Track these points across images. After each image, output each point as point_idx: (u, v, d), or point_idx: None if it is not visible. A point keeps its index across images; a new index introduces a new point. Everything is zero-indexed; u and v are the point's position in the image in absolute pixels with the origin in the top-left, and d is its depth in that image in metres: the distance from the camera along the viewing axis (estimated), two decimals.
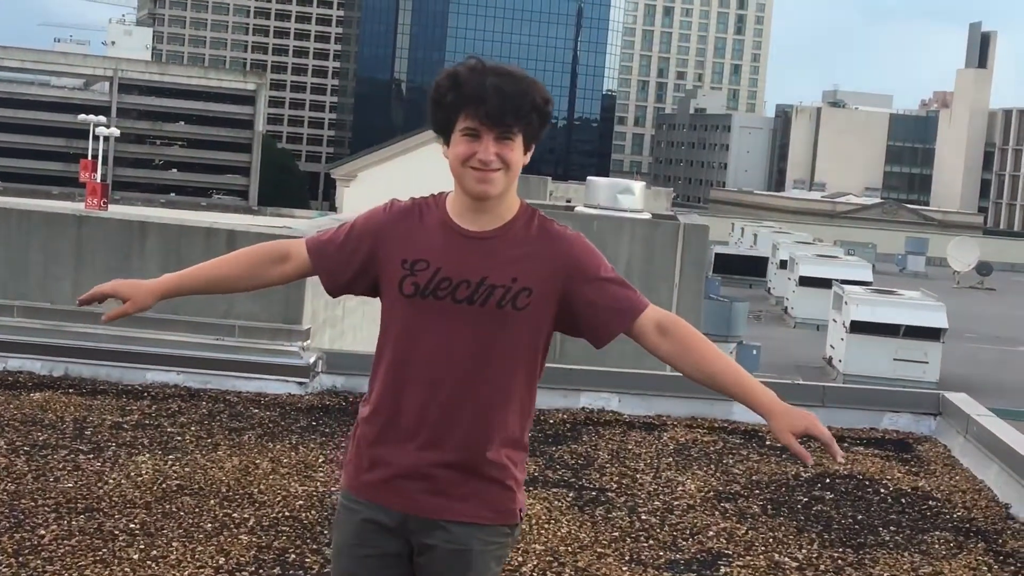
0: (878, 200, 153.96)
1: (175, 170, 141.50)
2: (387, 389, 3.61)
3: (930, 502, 8.53)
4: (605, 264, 3.61)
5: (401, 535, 3.62)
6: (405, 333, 3.56)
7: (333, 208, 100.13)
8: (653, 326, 3.56)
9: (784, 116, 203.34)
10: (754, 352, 41.53)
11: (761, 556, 7.11)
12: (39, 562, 6.17)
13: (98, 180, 76.56)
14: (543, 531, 7.28)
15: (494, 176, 3.48)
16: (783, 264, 64.71)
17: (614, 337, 3.57)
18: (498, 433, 3.58)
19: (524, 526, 7.31)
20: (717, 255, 68.64)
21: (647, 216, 20.86)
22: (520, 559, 6.72)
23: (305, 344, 11.12)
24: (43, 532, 6.60)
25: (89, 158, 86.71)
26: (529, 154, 3.58)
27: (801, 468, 9.23)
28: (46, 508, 7.01)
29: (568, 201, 49.73)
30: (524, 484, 3.75)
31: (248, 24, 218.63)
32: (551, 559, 6.77)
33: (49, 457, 8.09)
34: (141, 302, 3.86)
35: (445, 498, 3.59)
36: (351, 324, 14.66)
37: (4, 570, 6.04)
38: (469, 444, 3.56)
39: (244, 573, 6.25)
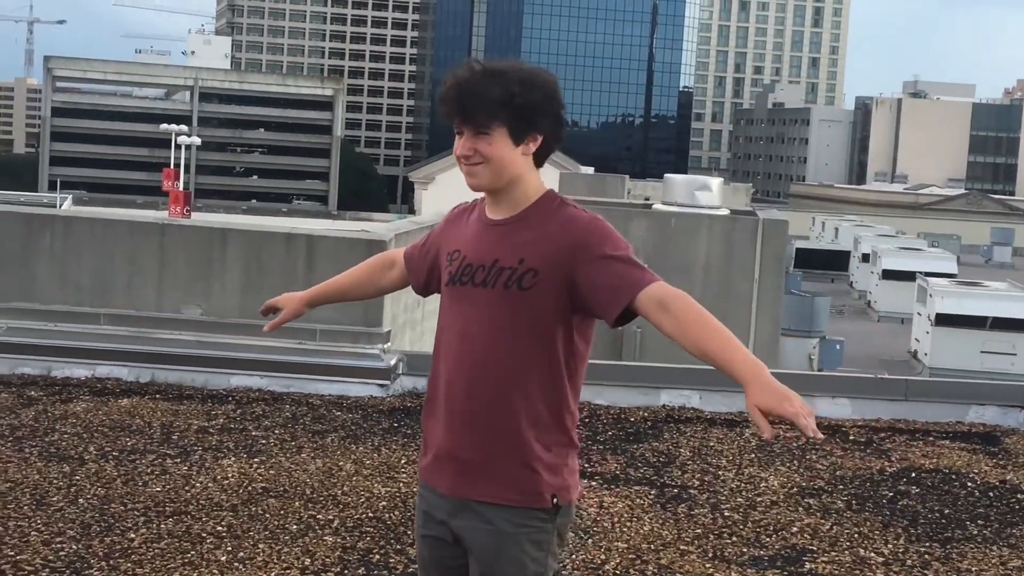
0: (962, 191, 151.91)
1: (256, 176, 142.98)
2: (432, 373, 3.84)
3: (1018, 495, 8.41)
4: (614, 243, 3.61)
5: (442, 520, 3.77)
6: (443, 318, 3.81)
7: (412, 211, 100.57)
8: (655, 303, 3.50)
9: (864, 108, 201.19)
10: (837, 347, 41.18)
11: (846, 552, 7.06)
12: (129, 565, 6.27)
13: (180, 188, 77.59)
14: (625, 529, 7.28)
15: (475, 169, 3.67)
16: (865, 258, 64.09)
17: (618, 313, 3.55)
18: (521, 415, 3.66)
19: (607, 524, 7.32)
20: (798, 250, 68.11)
21: (725, 212, 20.75)
22: (603, 557, 6.73)
23: (386, 346, 11.19)
24: (133, 536, 6.71)
25: (171, 167, 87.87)
26: (532, 145, 3.69)
27: (886, 463, 9.15)
28: (135, 512, 7.13)
29: (646, 199, 49.53)
30: (579, 473, 3.81)
31: (325, 30, 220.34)
32: (634, 556, 6.77)
33: (137, 462, 8.22)
34: (295, 310, 4.35)
35: (472, 477, 3.70)
36: (430, 326, 14.72)
37: (96, 573, 6.15)
38: (492, 425, 3.67)
39: (329, 574, 6.32)
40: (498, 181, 3.69)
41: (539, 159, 3.73)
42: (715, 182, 21.53)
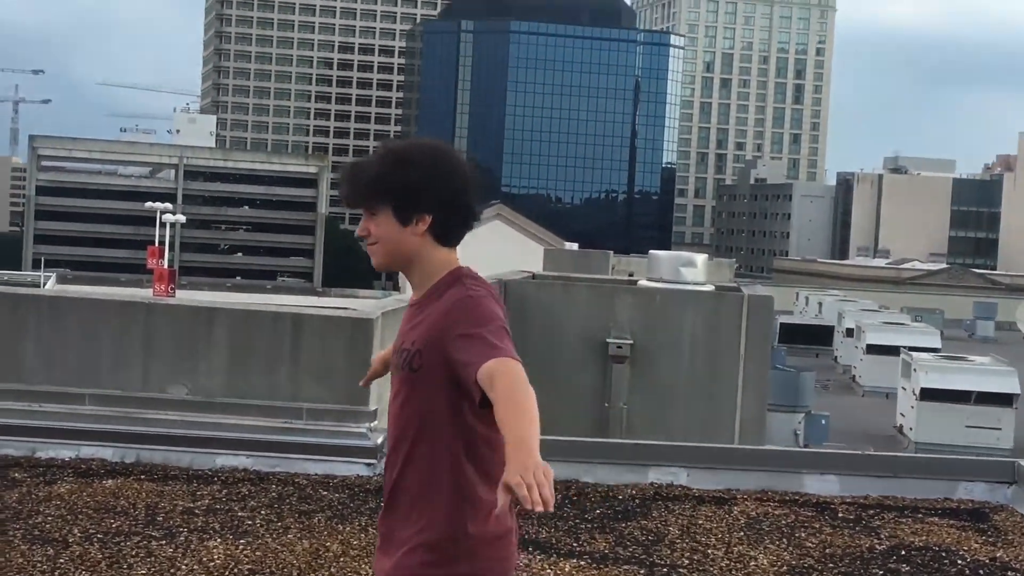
0: (944, 265, 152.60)
1: (240, 254, 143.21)
2: None
3: (1009, 573, 8.38)
4: (474, 320, 3.51)
5: None
6: None
7: (396, 288, 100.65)
8: (487, 379, 3.36)
9: (845, 184, 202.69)
10: (823, 422, 41.10)
11: None
12: None
13: (165, 266, 77.59)
14: None
15: (371, 249, 3.74)
16: (849, 332, 64.21)
17: (473, 392, 3.43)
18: (412, 495, 3.65)
19: None
20: (782, 325, 68.24)
21: (710, 288, 20.83)
22: None
23: (372, 425, 11.15)
24: None
25: (156, 244, 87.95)
26: (422, 224, 3.65)
27: (875, 541, 9.11)
28: None
29: (630, 275, 49.65)
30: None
31: (309, 108, 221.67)
32: None
33: (123, 544, 8.14)
34: (381, 368, 4.18)
35: (382, 553, 3.75)
36: None
37: None
38: (391, 503, 3.73)
39: None
40: (392, 262, 3.72)
41: (442, 238, 3.67)
42: (700, 258, 21.63)
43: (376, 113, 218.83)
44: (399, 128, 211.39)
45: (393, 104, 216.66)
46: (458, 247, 3.77)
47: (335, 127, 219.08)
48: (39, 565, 7.57)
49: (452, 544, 3.57)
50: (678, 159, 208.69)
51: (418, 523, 3.61)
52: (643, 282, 22.06)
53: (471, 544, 3.57)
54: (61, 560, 7.71)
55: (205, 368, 12.57)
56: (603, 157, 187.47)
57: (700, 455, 11.34)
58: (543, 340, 16.24)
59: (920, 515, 9.89)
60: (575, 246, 72.97)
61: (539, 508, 3.09)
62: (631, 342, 18.95)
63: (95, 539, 8.23)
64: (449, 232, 3.68)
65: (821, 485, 10.60)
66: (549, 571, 7.93)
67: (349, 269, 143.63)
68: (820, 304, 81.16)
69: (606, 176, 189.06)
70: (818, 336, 71.72)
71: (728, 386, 18.68)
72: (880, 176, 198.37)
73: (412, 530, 3.62)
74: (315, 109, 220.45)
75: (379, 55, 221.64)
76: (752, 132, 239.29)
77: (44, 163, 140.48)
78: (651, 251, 23.80)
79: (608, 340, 18.96)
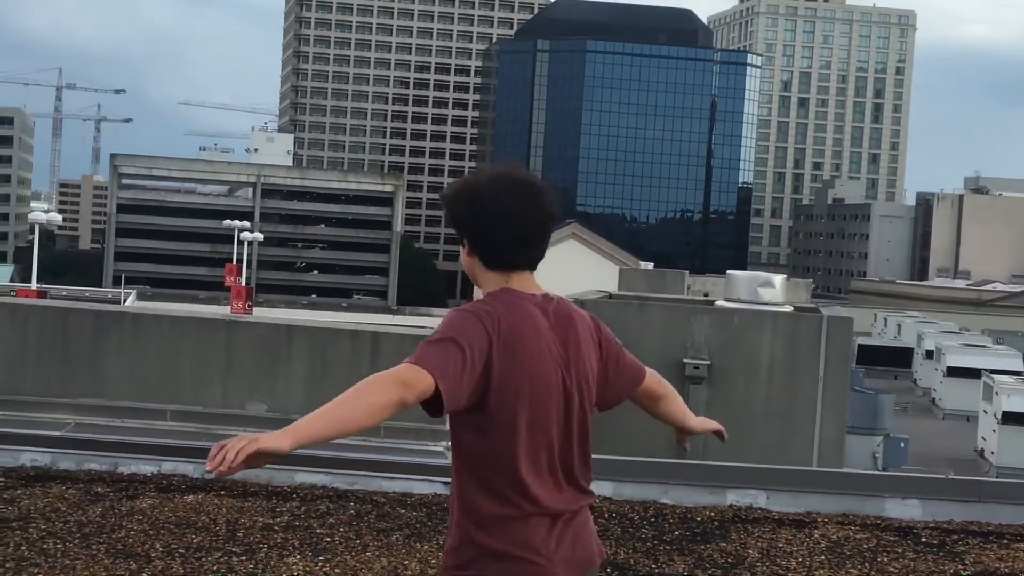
0: None
1: (316, 272, 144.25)
2: None
3: None
4: (437, 330, 3.79)
5: None
6: None
7: None
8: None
9: (925, 204, 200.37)
10: (902, 445, 40.61)
11: None
12: None
13: (243, 284, 78.37)
14: None
15: None
16: (929, 354, 63.44)
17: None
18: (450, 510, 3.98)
19: None
20: (860, 346, 67.57)
21: (789, 309, 20.67)
22: None
23: (450, 444, 11.20)
24: None
25: (234, 262, 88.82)
26: (464, 248, 3.99)
27: (960, 567, 8.98)
28: None
29: (706, 295, 49.33)
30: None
31: (385, 128, 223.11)
32: None
33: (204, 559, 8.22)
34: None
35: None
36: None
37: None
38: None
39: None
40: (472, 280, 4.05)
41: (485, 261, 3.92)
42: (778, 278, 21.47)
43: (451, 132, 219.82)
44: (474, 147, 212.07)
45: (469, 123, 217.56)
46: (533, 271, 3.94)
47: (411, 146, 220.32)
48: None
49: (462, 551, 3.79)
50: (754, 179, 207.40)
51: (448, 533, 3.92)
52: (720, 302, 21.94)
53: (476, 555, 3.74)
54: (143, 575, 7.79)
55: (284, 385, 12.65)
56: (679, 176, 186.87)
57: (779, 477, 11.26)
58: None
59: (1005, 541, 9.74)
60: (650, 266, 72.76)
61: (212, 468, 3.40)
62: (708, 362, 18.84)
63: (177, 554, 8.32)
64: (488, 256, 3.91)
65: (903, 509, 10.49)
66: None
67: (423, 288, 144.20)
68: (899, 326, 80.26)
69: (682, 196, 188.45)
70: (897, 358, 70.99)
71: (806, 408, 18.52)
72: (961, 196, 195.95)
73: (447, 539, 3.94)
74: (391, 128, 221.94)
75: (455, 74, 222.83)
76: (830, 152, 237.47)
77: (124, 181, 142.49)
78: (728, 271, 23.65)
79: (685, 360, 18.86)
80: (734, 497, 10.71)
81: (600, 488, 10.68)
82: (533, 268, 3.93)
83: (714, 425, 4.53)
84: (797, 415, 18.50)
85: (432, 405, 3.62)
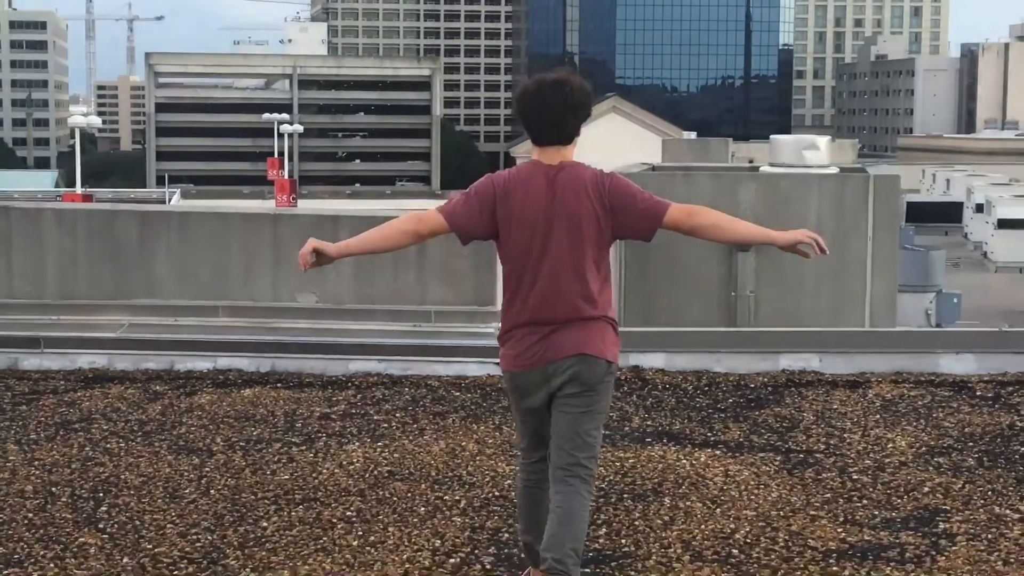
0: None
1: (358, 161, 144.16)
2: None
3: None
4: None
5: None
6: None
7: None
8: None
9: (970, 55, 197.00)
10: (955, 301, 40.42)
11: (981, 510, 6.95)
12: (264, 553, 6.39)
13: (285, 177, 78.45)
14: (753, 496, 7.24)
15: None
16: (979, 208, 62.90)
17: None
18: None
19: (734, 492, 7.31)
20: (909, 203, 66.97)
21: (835, 171, 20.47)
22: (732, 526, 6.70)
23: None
24: (265, 524, 6.83)
25: (275, 156, 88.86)
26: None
27: (1016, 418, 9.00)
28: (266, 500, 7.25)
29: (750, 161, 48.94)
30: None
31: (419, 10, 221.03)
32: (763, 524, 6.74)
33: (264, 451, 8.36)
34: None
35: None
36: None
37: (232, 562, 6.27)
38: None
39: (460, 554, 6.37)
40: None
41: (531, 139, 5.56)
42: (822, 140, 21.22)
43: (486, 11, 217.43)
44: (509, 25, 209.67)
45: (502, 1, 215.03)
46: (572, 145, 5.56)
47: (445, 28, 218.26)
48: (186, 474, 7.81)
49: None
50: (795, 40, 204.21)
51: None
52: (765, 168, 21.78)
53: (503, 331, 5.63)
54: (207, 468, 7.94)
55: (332, 276, 12.72)
56: (717, 43, 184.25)
57: (831, 340, 11.27)
58: (664, 233, 16.18)
59: None
60: (693, 135, 72.15)
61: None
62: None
63: (238, 447, 8.46)
64: (530, 135, 5.56)
65: (957, 364, 10.49)
66: (684, 461, 7.97)
67: (466, 170, 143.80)
68: (948, 181, 79.44)
69: (721, 62, 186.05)
70: (947, 213, 70.37)
71: (857, 269, 18.44)
72: (1006, 45, 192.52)
73: None
74: (424, 11, 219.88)
75: None
76: (871, 7, 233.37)
77: (161, 80, 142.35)
78: (772, 136, 23.40)
79: None
80: (787, 362, 10.74)
81: (652, 360, 10.72)
82: (564, 143, 5.51)
83: (802, 235, 5.47)
84: (847, 277, 18.41)
85: (461, 237, 5.57)
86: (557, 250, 5.45)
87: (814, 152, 20.53)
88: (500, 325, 5.67)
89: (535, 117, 5.49)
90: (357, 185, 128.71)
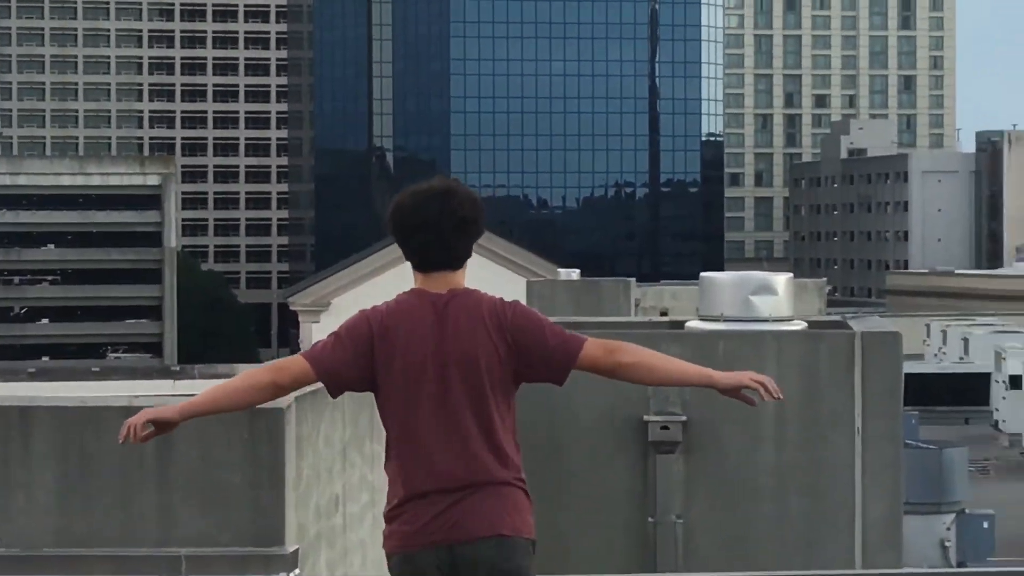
0: None
1: (46, 320, 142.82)
2: None
3: None
4: None
5: None
6: None
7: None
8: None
9: (991, 149, 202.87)
10: (985, 525, 41.14)
11: None
12: None
13: None
14: None
15: None
16: (1016, 382, 64.40)
17: None
18: None
19: None
20: (908, 375, 68.27)
21: (802, 326, 20.88)
22: None
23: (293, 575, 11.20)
24: None
25: None
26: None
27: None
28: None
29: (663, 313, 49.62)
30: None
31: (142, 86, 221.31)
32: None
33: None
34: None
35: None
36: (356, 539, 14.65)
37: None
38: None
39: None
40: None
41: (413, 266, 6.88)
42: (780, 280, 21.64)
43: (247, 86, 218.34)
44: (285, 106, 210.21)
45: (273, 70, 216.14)
46: (463, 270, 6.86)
47: (183, 110, 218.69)
48: None
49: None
50: (726, 127, 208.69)
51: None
52: (692, 323, 22.11)
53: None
54: None
55: (22, 505, 12.48)
56: (607, 133, 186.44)
57: None
58: (544, 423, 16.49)
59: None
60: (575, 273, 73.11)
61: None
62: (683, 419, 18.93)
63: None
64: (411, 261, 6.87)
65: None
66: None
67: (217, 332, 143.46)
68: (965, 340, 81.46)
69: (615, 162, 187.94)
70: (967, 390, 71.99)
71: (840, 478, 18.74)
72: None
73: None
74: (149, 86, 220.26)
75: None
76: (839, 78, 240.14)
77: None
78: (703, 275, 23.76)
79: (647, 419, 18.91)
80: None
81: None
82: (454, 267, 6.81)
83: (747, 377, 6.85)
84: (825, 491, 18.66)
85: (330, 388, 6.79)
86: (456, 399, 6.55)
87: (768, 298, 20.86)
88: (387, 500, 6.64)
89: (417, 236, 6.74)
90: (45, 359, 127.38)
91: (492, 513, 6.41)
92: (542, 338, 6.51)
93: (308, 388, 12.28)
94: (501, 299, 6.59)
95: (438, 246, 6.62)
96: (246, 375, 6.60)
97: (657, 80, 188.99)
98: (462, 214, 6.62)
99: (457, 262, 6.66)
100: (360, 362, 6.45)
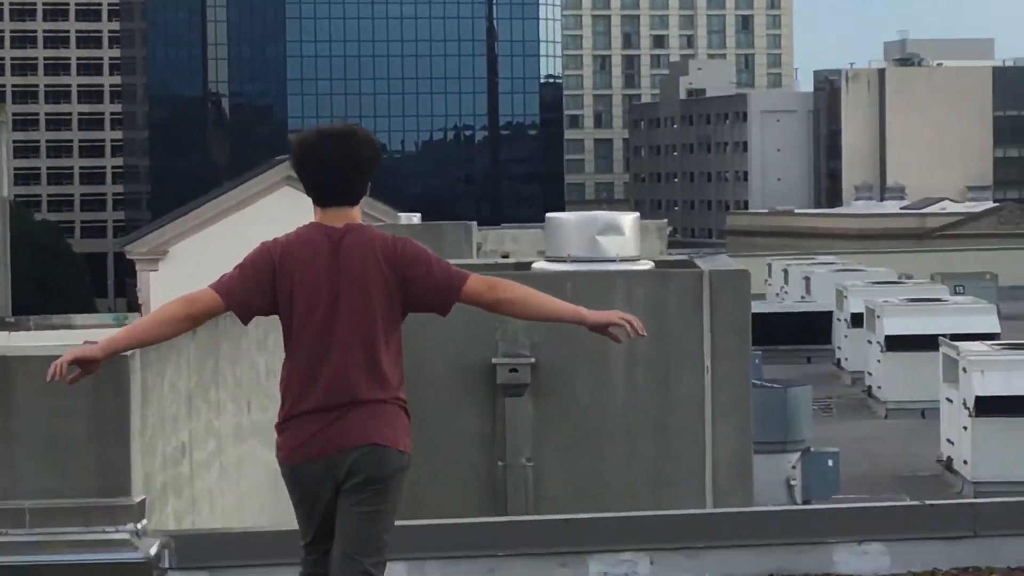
0: (990, 204, 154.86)
1: None
2: None
3: None
4: None
5: None
6: None
7: (135, 306, 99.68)
8: None
9: (829, 88, 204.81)
10: (830, 462, 41.45)
11: None
12: None
13: None
14: None
15: None
16: (857, 320, 64.78)
17: None
18: None
19: None
20: (752, 316, 68.70)
21: (648, 266, 20.89)
22: None
23: (140, 526, 11.06)
24: None
25: None
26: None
27: None
28: None
29: (505, 256, 49.57)
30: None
31: None
32: None
33: None
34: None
35: None
36: (203, 487, 14.50)
37: None
38: None
39: None
40: None
41: (313, 201, 7.66)
42: (627, 220, 21.64)
43: (78, 31, 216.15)
44: (117, 53, 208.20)
45: (104, 14, 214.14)
46: (359, 207, 7.65)
47: (13, 57, 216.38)
48: None
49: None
50: (565, 69, 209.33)
51: None
52: (539, 264, 22.07)
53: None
54: None
55: None
56: (446, 76, 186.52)
57: (664, 530, 11.39)
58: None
59: None
60: (416, 217, 72.93)
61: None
62: (532, 360, 18.88)
63: None
64: (311, 197, 7.62)
65: (861, 560, 10.70)
66: None
67: (52, 283, 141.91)
68: (807, 279, 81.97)
69: (453, 105, 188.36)
70: (808, 328, 72.46)
71: (689, 417, 18.80)
72: (881, 71, 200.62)
73: None
74: None
75: None
76: (677, 18, 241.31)
77: None
78: (550, 216, 23.72)
79: (495, 361, 18.86)
80: (599, 566, 10.81)
81: (394, 571, 10.67)
82: (351, 203, 7.61)
83: (615, 317, 7.63)
84: (675, 430, 18.71)
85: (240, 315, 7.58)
86: (344, 324, 7.37)
87: (615, 238, 20.85)
88: (277, 413, 7.44)
89: (316, 174, 7.55)
90: None
91: (368, 426, 7.24)
92: (429, 271, 7.33)
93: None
94: (393, 235, 7.37)
95: (336, 184, 7.44)
96: (161, 309, 7.31)
97: (495, 22, 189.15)
98: (359, 155, 7.46)
99: (353, 199, 7.47)
100: (264, 290, 7.28)
